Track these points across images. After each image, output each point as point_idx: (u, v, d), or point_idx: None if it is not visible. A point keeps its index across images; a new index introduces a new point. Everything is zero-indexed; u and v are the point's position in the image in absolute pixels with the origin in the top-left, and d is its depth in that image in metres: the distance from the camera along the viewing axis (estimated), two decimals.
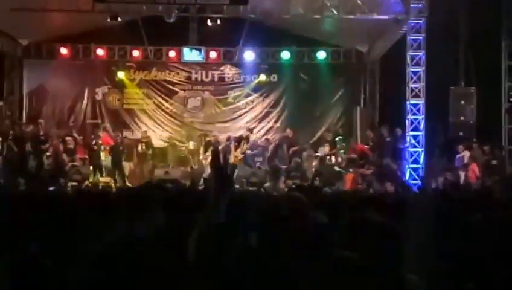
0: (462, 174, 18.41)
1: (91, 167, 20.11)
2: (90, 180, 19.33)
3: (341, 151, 20.67)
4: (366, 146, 20.73)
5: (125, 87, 23.50)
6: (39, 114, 22.78)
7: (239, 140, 20.88)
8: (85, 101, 23.53)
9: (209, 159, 19.94)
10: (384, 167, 18.96)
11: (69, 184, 18.22)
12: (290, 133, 21.20)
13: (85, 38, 22.67)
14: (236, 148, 20.57)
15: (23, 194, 8.44)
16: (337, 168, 19.88)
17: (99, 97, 23.53)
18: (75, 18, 19.78)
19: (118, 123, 23.23)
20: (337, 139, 21.07)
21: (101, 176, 20.00)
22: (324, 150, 20.55)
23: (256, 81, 23.61)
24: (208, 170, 20.02)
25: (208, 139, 21.38)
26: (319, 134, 22.70)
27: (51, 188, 14.00)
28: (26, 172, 18.77)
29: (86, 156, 20.36)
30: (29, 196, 7.28)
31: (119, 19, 18.98)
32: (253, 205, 4.55)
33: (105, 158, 20.56)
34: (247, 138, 21.00)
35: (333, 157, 20.80)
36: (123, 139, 21.69)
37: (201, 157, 20.65)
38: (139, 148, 21.36)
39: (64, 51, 22.83)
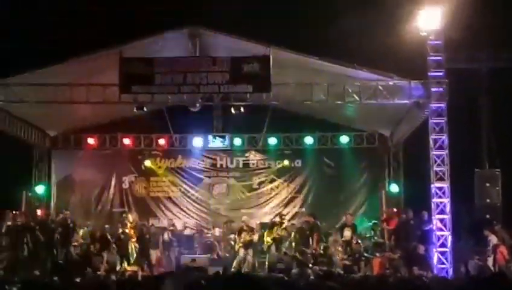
0: (490, 257, 18.19)
1: (118, 256, 20.12)
2: (117, 269, 19.31)
3: (368, 235, 20.54)
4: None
5: (152, 176, 23.79)
6: (67, 203, 23.02)
7: (271, 226, 20.79)
8: (112, 190, 23.81)
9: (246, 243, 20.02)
10: (411, 251, 18.78)
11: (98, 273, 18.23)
12: (310, 219, 21.08)
13: (111, 128, 23.17)
14: (269, 234, 20.50)
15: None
16: (365, 253, 19.72)
17: (126, 186, 23.82)
18: (101, 109, 20.21)
19: (144, 211, 23.39)
20: (371, 223, 20.94)
21: (128, 264, 19.98)
22: (346, 233, 20.39)
23: (281, 166, 23.77)
24: (241, 255, 19.97)
25: (240, 225, 21.24)
26: (344, 218, 22.64)
27: (77, 279, 13.99)
28: (54, 262, 18.82)
29: (114, 245, 20.40)
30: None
31: (145, 109, 19.34)
32: None
33: (132, 247, 20.58)
34: (280, 223, 20.87)
35: (360, 241, 20.67)
36: (149, 227, 21.79)
37: (236, 242, 20.51)
38: (165, 236, 21.39)
39: (91, 141, 23.31)
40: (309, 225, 20.58)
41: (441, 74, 18.31)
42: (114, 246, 20.38)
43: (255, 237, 20.32)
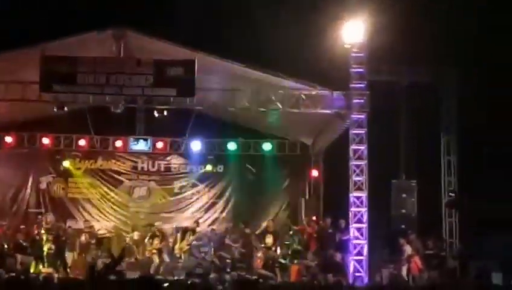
0: (404, 267, 18.65)
1: (33, 257, 19.69)
2: (32, 270, 18.90)
3: (287, 242, 20.73)
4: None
5: (70, 177, 23.37)
6: None
7: (184, 231, 20.86)
8: (28, 190, 23.24)
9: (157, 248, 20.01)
10: (328, 258, 19.06)
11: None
12: (240, 227, 21.15)
13: (30, 127, 22.62)
14: (181, 239, 20.58)
15: None
16: (282, 260, 19.88)
17: (43, 186, 23.31)
18: (21, 107, 19.74)
19: (62, 212, 22.96)
20: (291, 231, 21.11)
21: (43, 266, 19.58)
22: (268, 240, 20.52)
23: (203, 171, 23.76)
24: (156, 260, 19.95)
25: (154, 230, 21.22)
26: (264, 224, 22.74)
27: None
28: None
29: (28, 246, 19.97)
30: None
31: (65, 109, 18.99)
32: None
33: (47, 248, 20.19)
34: (193, 230, 20.98)
35: (278, 248, 20.83)
36: (66, 229, 21.43)
37: (148, 247, 20.49)
38: (83, 238, 21.05)
39: (8, 139, 22.72)
40: (237, 231, 20.70)
41: (362, 85, 18.69)
42: (28, 247, 19.96)
43: (170, 242, 20.37)
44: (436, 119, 21.49)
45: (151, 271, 19.37)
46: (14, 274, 16.68)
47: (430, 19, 20.24)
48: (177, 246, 20.70)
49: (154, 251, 20.25)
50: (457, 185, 21.25)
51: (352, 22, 18.28)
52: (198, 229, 21.35)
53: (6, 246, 19.64)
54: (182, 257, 20.43)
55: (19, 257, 19.45)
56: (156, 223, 21.65)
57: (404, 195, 19.77)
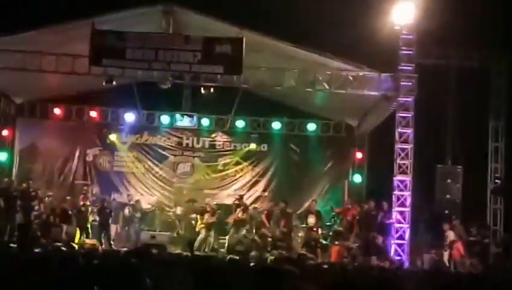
0: (446, 252, 18.50)
1: (77, 228, 20.04)
2: (76, 241, 19.24)
3: (329, 223, 20.71)
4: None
5: (116, 150, 23.65)
6: (29, 172, 22.81)
7: (236, 207, 20.84)
8: (75, 162, 23.61)
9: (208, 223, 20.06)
10: (370, 241, 19.00)
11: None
12: (281, 206, 21.11)
13: (79, 100, 22.96)
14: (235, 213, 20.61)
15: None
16: (323, 241, 19.90)
17: (90, 158, 23.65)
18: (70, 80, 20.00)
19: (107, 185, 23.30)
20: (333, 212, 21.06)
21: (87, 237, 19.91)
22: (310, 220, 20.53)
23: (247, 149, 23.83)
24: (202, 235, 20.04)
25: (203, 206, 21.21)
26: (306, 205, 22.73)
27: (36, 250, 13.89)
28: (13, 230, 18.67)
29: (73, 218, 20.32)
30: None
31: (114, 83, 19.20)
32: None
33: (92, 219, 20.53)
34: (241, 205, 20.94)
35: (319, 229, 20.84)
36: (111, 201, 21.74)
37: (198, 222, 20.54)
38: (126, 211, 21.34)
39: (57, 111, 23.11)
40: (279, 210, 20.69)
41: (411, 68, 18.49)
42: (74, 217, 20.31)
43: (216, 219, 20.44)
44: (484, 104, 21.18)
45: (195, 246, 19.45)
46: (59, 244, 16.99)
47: (481, 1, 19.87)
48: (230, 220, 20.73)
49: (203, 225, 20.28)
50: (504, 172, 20.96)
51: (402, 3, 18.07)
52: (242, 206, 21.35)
53: (52, 216, 20.00)
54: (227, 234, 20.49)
55: (64, 227, 19.81)
56: (207, 200, 21.71)
57: (449, 180, 19.56)
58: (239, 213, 20.39)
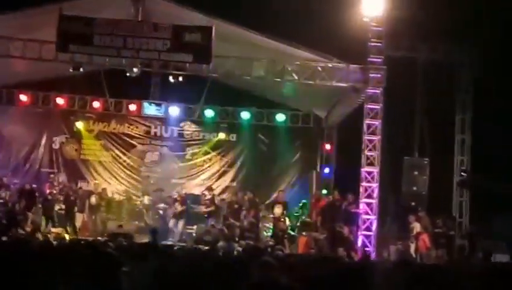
0: (412, 244, 18.65)
1: (43, 217, 19.83)
2: (42, 230, 19.04)
3: (296, 214, 20.77)
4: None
5: (83, 138, 23.43)
6: None
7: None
8: (42, 150, 23.33)
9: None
10: (336, 232, 19.07)
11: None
12: (250, 196, 21.10)
13: (46, 86, 22.66)
14: None
15: None
16: (290, 231, 19.94)
17: (56, 146, 23.40)
18: (37, 66, 19.73)
19: (74, 173, 23.09)
20: (301, 203, 21.15)
21: (53, 226, 19.72)
22: (277, 211, 20.54)
23: (216, 139, 23.76)
24: (171, 225, 20.01)
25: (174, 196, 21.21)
26: (274, 195, 22.77)
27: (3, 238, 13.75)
28: None
29: (40, 205, 20.11)
30: None
31: (81, 70, 18.99)
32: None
33: (58, 208, 20.34)
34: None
35: (287, 219, 20.89)
36: (77, 189, 21.55)
37: (163, 212, 20.53)
38: (93, 199, 21.17)
39: (24, 98, 22.79)
40: (247, 200, 20.70)
41: (380, 60, 18.56)
42: (40, 206, 20.11)
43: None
44: (451, 97, 21.35)
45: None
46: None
47: None
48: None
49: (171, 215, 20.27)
50: (470, 165, 21.18)
51: None
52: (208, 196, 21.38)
53: (17, 205, 19.75)
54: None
55: (30, 215, 19.59)
56: (177, 189, 21.66)
57: (416, 172, 19.66)
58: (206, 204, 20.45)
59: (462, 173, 20.76)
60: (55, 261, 5.44)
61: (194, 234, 19.92)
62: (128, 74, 18.99)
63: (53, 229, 19.44)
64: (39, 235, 16.10)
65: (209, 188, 21.50)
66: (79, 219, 20.72)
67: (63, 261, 5.35)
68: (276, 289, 3.99)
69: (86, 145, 23.50)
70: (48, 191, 20.42)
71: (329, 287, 6.05)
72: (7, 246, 8.39)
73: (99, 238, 16.40)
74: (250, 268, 4.12)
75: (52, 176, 22.40)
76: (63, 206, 20.40)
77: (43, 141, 23.36)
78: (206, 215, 20.51)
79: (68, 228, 19.79)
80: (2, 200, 19.84)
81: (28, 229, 18.40)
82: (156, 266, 5.52)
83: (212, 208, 20.51)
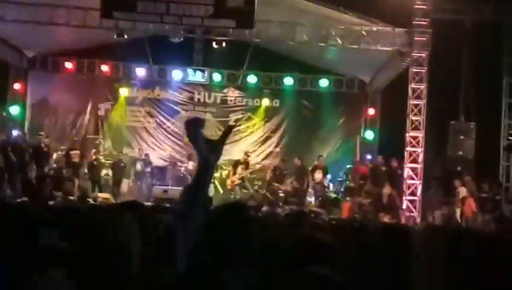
0: (457, 209, 18.49)
1: (90, 182, 20.14)
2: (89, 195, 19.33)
3: (340, 179, 20.75)
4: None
5: (128, 105, 23.60)
6: (41, 126, 22.84)
7: (236, 164, 20.93)
8: (87, 116, 23.59)
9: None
10: (381, 197, 19.01)
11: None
12: (298, 162, 21.06)
13: (90, 54, 22.83)
14: (233, 173, 20.68)
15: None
16: (334, 195, 19.96)
17: (101, 113, 23.64)
18: (81, 33, 19.88)
19: (119, 140, 23.32)
20: (345, 169, 21.12)
21: (100, 191, 20.00)
22: (317, 176, 20.52)
23: (258, 104, 23.73)
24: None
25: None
26: (316, 160, 22.70)
27: (51, 202, 13.99)
28: (25, 183, 18.75)
29: (86, 171, 20.42)
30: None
31: (125, 36, 19.11)
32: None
33: (104, 174, 20.62)
34: (245, 163, 21.03)
35: (331, 185, 20.91)
36: (123, 156, 21.79)
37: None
38: (138, 166, 21.39)
39: (69, 65, 22.99)
40: (295, 166, 20.74)
41: (425, 23, 18.27)
42: (86, 171, 20.41)
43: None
44: (498, 61, 20.92)
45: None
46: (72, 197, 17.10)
47: None
48: (228, 180, 20.86)
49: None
50: None
51: None
52: (250, 162, 21.45)
53: (64, 170, 20.06)
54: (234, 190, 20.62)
55: (77, 181, 19.89)
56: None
57: (462, 137, 19.39)
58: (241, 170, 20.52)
59: (510, 138, 20.42)
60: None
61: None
62: (171, 40, 19.04)
63: (100, 195, 19.72)
64: (89, 200, 16.26)
65: (246, 154, 21.54)
66: (124, 185, 20.99)
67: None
68: (325, 246, 3.95)
69: (131, 112, 23.70)
70: (94, 157, 20.68)
71: (374, 250, 6.04)
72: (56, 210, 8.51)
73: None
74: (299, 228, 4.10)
75: (97, 142, 22.65)
76: (110, 172, 20.67)
77: (89, 108, 23.60)
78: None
79: (115, 193, 20.05)
80: (48, 166, 20.13)
81: (76, 194, 18.65)
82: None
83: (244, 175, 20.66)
